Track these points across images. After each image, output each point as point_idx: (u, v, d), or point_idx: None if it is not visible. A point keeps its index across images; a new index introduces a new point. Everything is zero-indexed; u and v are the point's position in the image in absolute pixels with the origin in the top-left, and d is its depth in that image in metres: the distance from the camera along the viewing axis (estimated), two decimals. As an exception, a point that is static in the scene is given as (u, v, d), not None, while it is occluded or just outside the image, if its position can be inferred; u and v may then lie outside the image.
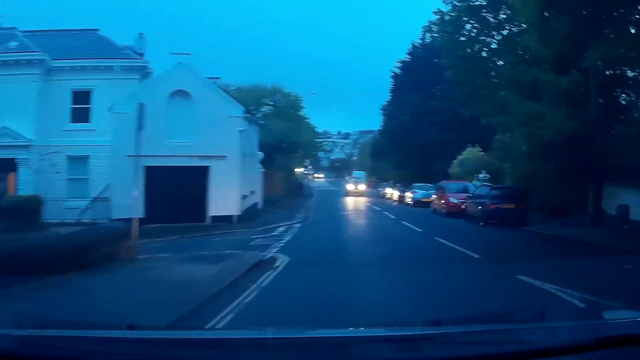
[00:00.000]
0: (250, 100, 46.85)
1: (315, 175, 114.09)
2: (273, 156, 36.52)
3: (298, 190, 55.55)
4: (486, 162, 34.97)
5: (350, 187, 50.11)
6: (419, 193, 34.06)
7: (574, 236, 15.56)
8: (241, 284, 8.59)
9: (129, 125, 21.73)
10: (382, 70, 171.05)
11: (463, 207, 23.05)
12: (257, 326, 4.57)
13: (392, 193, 42.71)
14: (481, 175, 31.57)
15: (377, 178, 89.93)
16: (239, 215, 21.48)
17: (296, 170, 61.09)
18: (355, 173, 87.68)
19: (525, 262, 10.87)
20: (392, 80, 52.09)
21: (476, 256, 11.42)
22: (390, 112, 49.48)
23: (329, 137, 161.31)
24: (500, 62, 22.70)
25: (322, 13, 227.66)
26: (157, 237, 16.88)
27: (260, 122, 29.47)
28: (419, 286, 8.93)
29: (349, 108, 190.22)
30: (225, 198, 20.86)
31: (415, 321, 2.83)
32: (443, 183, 26.63)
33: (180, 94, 21.42)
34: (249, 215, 22.69)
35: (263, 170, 29.56)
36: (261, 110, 45.93)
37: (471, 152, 37.40)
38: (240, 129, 21.37)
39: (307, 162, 55.30)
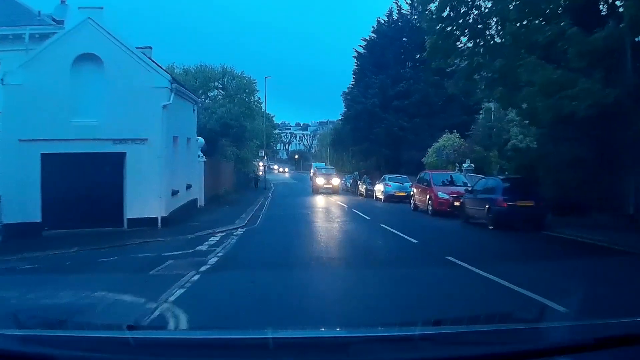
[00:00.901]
0: (198, 84, 40.93)
1: (279, 168, 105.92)
2: (219, 144, 30.53)
3: (252, 184, 49.86)
4: (467, 150, 30.27)
5: (320, 181, 39.91)
6: (392, 186, 29.73)
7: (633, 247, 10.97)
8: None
9: (23, 100, 16.31)
10: (340, 61, 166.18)
11: (456, 203, 18.85)
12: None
13: (362, 186, 37.33)
14: (465, 165, 27.81)
15: (337, 170, 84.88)
16: (165, 218, 16.49)
17: (255, 162, 55.24)
18: (316, 164, 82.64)
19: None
20: (355, 61, 46.81)
21: (560, 309, 5.83)
22: (353, 96, 44.35)
23: (288, 129, 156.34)
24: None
25: (280, 7, 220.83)
26: (54, 248, 12.67)
27: (199, 99, 23.53)
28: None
29: (307, 100, 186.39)
30: (146, 194, 15.72)
31: (415, 321, 2.78)
32: (427, 174, 21.90)
33: (88, 58, 16.20)
34: (182, 216, 17.79)
35: (205, 160, 23.85)
36: (209, 94, 39.76)
37: (449, 139, 33.28)
38: (165, 103, 15.75)
39: (262, 152, 49.73)
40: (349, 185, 42.33)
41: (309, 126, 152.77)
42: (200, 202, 22.94)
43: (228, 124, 31.16)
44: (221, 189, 30.75)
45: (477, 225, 16.05)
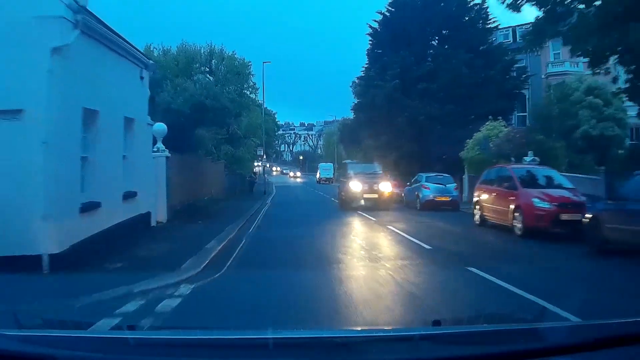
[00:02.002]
0: (180, 67, 33.30)
1: (290, 173, 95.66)
2: (194, 134, 22.38)
3: (247, 188, 42.25)
4: (521, 139, 24.17)
5: (356, 188, 24.13)
6: (431, 188, 23.33)
7: None
8: None
9: None
10: (346, 59, 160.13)
11: (563, 216, 12.32)
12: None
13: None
14: (528, 159, 20.84)
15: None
16: (61, 255, 9.23)
17: (256, 163, 47.88)
18: (323, 165, 74.49)
19: None
20: (369, 39, 38.96)
21: None
22: (368, 79, 36.38)
23: (292, 129, 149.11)
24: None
25: (284, 7, 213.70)
26: None
27: (150, 61, 15.47)
28: None
29: (311, 100, 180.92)
30: (21, 212, 8.90)
31: (415, 321, 2.85)
32: (503, 169, 15.93)
33: None
34: (105, 247, 10.63)
35: (169, 155, 15.94)
36: (194, 79, 32.05)
37: (493, 127, 26.87)
38: (58, 44, 7.86)
39: (260, 151, 44.56)
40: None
41: (314, 126, 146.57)
42: (160, 216, 15.47)
43: (203, 105, 22.85)
44: (203, 196, 24.28)
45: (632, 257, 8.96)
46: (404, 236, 13.53)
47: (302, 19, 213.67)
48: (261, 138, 44.32)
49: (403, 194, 25.89)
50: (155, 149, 15.81)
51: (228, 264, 9.56)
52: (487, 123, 26.39)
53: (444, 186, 21.87)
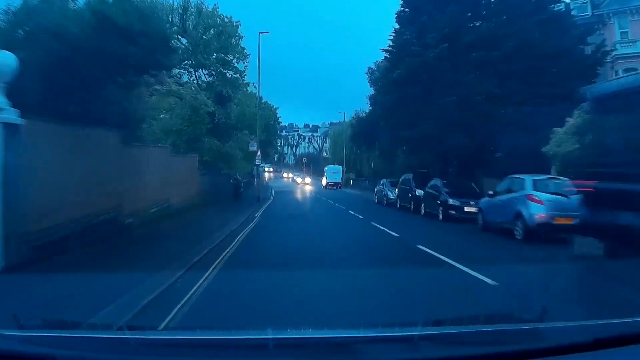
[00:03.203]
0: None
1: (300, 179, 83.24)
2: (106, 89, 11.64)
3: (232, 193, 32.41)
4: None
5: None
6: (548, 203, 13.82)
7: None
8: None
9: None
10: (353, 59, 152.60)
11: None
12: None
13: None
14: None
15: (356, 174, 67.75)
16: None
17: (259, 164, 39.28)
18: (330, 168, 64.61)
19: None
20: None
21: None
22: (399, 48, 28.20)
23: (296, 130, 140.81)
24: None
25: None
26: None
27: None
28: None
29: (317, 102, 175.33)
30: None
31: (415, 321, 2.81)
32: None
33: None
34: None
35: (15, 122, 5.39)
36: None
37: None
38: None
39: (253, 144, 34.71)
40: (390, 195, 30.49)
41: (319, 127, 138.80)
42: None
43: (117, 29, 11.63)
44: (147, 205, 17.44)
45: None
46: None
47: (307, 13, 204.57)
48: (257, 130, 34.73)
49: (478, 211, 18.36)
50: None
51: None
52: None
53: (566, 198, 11.70)
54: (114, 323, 5.81)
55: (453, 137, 26.28)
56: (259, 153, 37.66)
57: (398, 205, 28.53)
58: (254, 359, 2.19)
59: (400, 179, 29.28)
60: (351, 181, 67.33)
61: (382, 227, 17.72)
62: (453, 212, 20.70)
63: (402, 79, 28.82)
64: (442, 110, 26.34)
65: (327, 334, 2.56)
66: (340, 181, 63.44)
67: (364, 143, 49.35)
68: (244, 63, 32.86)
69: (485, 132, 25.33)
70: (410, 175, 27.91)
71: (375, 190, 35.19)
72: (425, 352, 2.15)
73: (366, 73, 49.86)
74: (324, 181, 66.64)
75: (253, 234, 16.11)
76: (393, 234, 16.20)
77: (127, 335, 2.42)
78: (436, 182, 23.47)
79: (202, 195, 28.65)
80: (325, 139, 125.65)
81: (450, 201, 21.08)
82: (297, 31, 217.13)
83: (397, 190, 29.62)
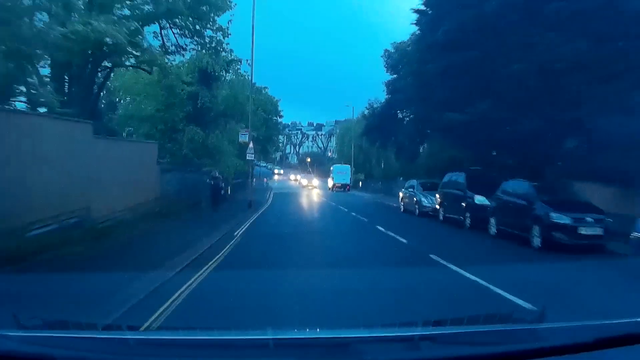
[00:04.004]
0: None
1: (307, 181, 72.45)
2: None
3: (210, 197, 25.20)
4: None
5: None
6: None
7: None
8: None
9: None
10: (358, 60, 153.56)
11: None
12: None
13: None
14: None
15: (365, 174, 60.79)
16: None
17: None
18: (337, 167, 57.66)
19: None
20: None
21: None
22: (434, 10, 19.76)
23: (299, 129, 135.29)
24: None
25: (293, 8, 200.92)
26: None
27: None
28: None
29: (321, 101, 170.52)
30: None
31: (415, 321, 2.79)
32: None
33: None
34: None
35: None
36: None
37: None
38: None
39: (244, 134, 28.37)
40: (425, 202, 24.08)
41: (324, 126, 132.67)
42: None
43: None
44: (41, 218, 11.87)
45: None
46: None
47: (309, 16, 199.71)
48: (249, 113, 27.77)
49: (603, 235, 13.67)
50: None
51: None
52: None
53: None
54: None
55: (525, 122, 18.53)
56: (251, 145, 29.88)
57: (441, 218, 21.68)
58: (255, 358, 2.20)
59: (444, 180, 22.46)
60: (360, 182, 61.74)
61: (453, 267, 9.94)
62: (560, 234, 13.33)
63: (449, 40, 21.13)
64: (508, 83, 18.72)
65: (327, 334, 2.54)
66: (349, 182, 57.86)
67: (379, 138, 43.35)
68: (228, 16, 23.63)
69: (568, 116, 17.85)
70: (462, 176, 20.86)
71: (401, 195, 28.41)
72: (425, 352, 2.15)
73: (382, 56, 43.42)
74: (330, 182, 60.97)
75: (212, 285, 8.56)
76: (481, 282, 8.46)
77: (127, 335, 2.41)
78: (520, 185, 15.99)
79: (163, 201, 21.52)
80: (331, 137, 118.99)
81: (555, 217, 13.54)
82: (301, 26, 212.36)
83: (437, 195, 22.67)
